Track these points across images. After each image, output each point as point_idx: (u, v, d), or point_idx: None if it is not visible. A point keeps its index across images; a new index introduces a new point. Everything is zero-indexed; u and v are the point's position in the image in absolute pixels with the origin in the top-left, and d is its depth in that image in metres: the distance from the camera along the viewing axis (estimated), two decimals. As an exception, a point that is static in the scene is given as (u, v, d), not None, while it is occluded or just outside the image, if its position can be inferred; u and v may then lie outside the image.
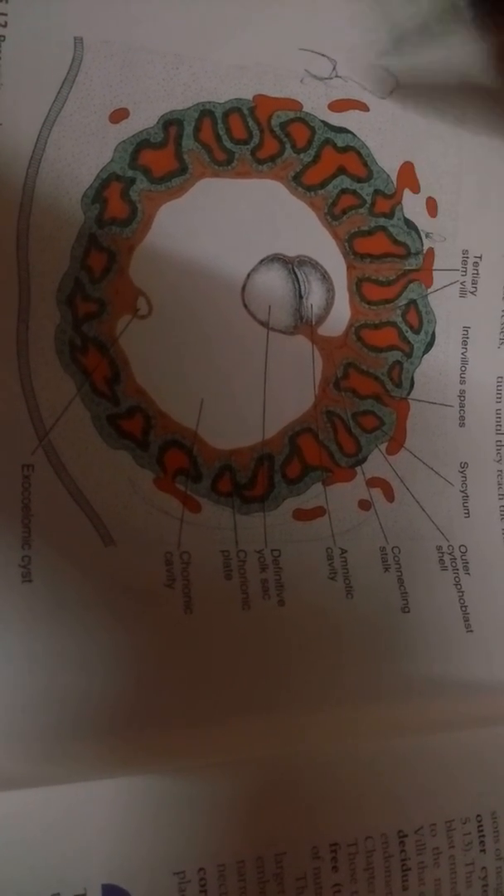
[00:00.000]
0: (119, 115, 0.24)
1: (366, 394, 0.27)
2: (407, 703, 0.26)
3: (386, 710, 0.25)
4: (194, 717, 0.23)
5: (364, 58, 0.27)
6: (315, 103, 0.27)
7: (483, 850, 0.24)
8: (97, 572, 0.24)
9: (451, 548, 0.28)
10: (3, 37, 0.23)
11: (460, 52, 0.28)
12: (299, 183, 0.27)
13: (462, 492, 0.28)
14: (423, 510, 0.28)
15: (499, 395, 0.29)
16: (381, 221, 0.28)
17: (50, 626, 0.23)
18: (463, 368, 0.29)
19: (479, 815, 0.24)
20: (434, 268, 0.28)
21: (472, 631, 0.27)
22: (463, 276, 0.29)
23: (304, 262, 0.27)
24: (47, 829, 0.20)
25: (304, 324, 0.27)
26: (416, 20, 0.28)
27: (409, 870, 0.23)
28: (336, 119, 0.27)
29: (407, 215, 0.28)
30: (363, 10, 0.27)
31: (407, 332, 0.28)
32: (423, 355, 0.28)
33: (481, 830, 0.24)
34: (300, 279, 0.26)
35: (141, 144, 0.25)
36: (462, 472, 0.28)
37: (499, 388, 0.29)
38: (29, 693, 0.22)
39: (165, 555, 0.24)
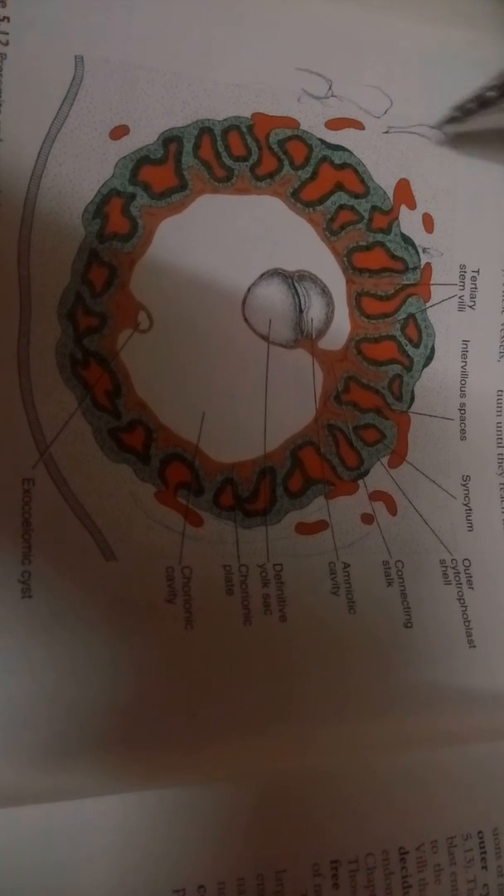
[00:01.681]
0: (119, 132, 0.25)
1: (367, 407, 0.27)
2: (409, 719, 0.25)
3: (387, 725, 0.25)
4: (194, 734, 0.23)
5: (359, 78, 0.28)
6: (312, 121, 0.27)
7: (485, 867, 0.24)
8: (98, 587, 0.23)
9: (454, 562, 0.28)
10: (5, 55, 0.23)
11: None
12: (298, 199, 0.27)
13: (465, 505, 0.28)
14: (427, 523, 0.28)
15: (499, 408, 0.29)
16: (379, 237, 0.28)
17: (50, 641, 0.22)
18: (463, 382, 0.29)
19: (480, 832, 0.24)
20: (432, 282, 0.28)
21: (475, 647, 0.27)
22: (461, 290, 0.29)
23: (303, 276, 0.27)
24: (45, 846, 0.20)
25: (304, 337, 0.27)
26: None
27: (410, 887, 0.23)
28: (333, 137, 0.27)
29: (404, 231, 0.28)
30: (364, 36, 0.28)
31: (406, 345, 0.28)
32: (423, 369, 0.28)
33: (483, 847, 0.24)
34: (300, 293, 0.27)
35: (141, 161, 0.25)
36: (464, 486, 0.28)
37: (499, 401, 0.29)
38: (28, 709, 0.22)
39: (167, 569, 0.24)
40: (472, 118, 0.28)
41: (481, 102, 0.27)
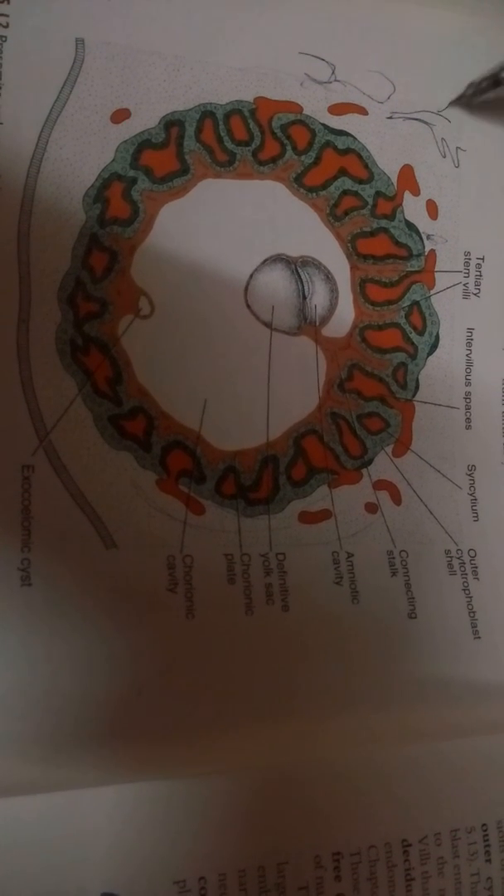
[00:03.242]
0: (120, 116, 0.24)
1: (370, 395, 0.27)
2: (412, 711, 0.25)
3: (391, 717, 0.25)
4: (195, 724, 0.23)
5: (362, 62, 0.27)
6: (315, 106, 0.27)
7: (488, 861, 0.23)
8: (98, 576, 0.23)
9: (459, 552, 0.27)
10: (5, 37, 0.23)
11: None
12: (301, 184, 0.27)
13: (470, 495, 0.28)
14: (431, 513, 0.27)
15: (505, 397, 0.29)
16: (383, 223, 0.28)
17: (49, 630, 0.22)
18: (468, 370, 0.28)
19: (484, 825, 0.24)
20: (436, 269, 0.28)
21: (479, 637, 0.27)
22: (466, 277, 0.28)
23: (307, 262, 0.26)
24: (46, 837, 0.19)
25: (307, 324, 0.26)
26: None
27: (413, 880, 0.22)
28: (336, 122, 0.27)
29: (408, 217, 0.28)
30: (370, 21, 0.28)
31: (411, 333, 0.28)
32: (428, 357, 0.28)
33: (486, 840, 0.24)
34: (303, 279, 0.26)
35: (142, 145, 0.25)
36: (470, 475, 0.28)
37: (505, 389, 0.29)
38: (28, 698, 0.21)
39: (168, 558, 0.24)
40: (484, 96, 0.28)
41: (495, 81, 0.27)
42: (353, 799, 0.23)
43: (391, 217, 0.28)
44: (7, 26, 0.23)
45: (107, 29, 0.24)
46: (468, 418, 0.28)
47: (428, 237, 0.28)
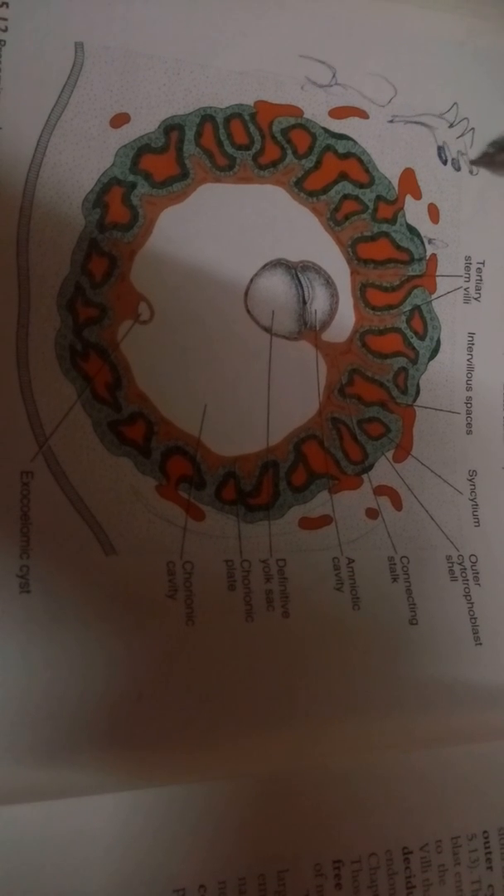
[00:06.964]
0: (120, 120, 0.24)
1: (371, 400, 0.27)
2: (413, 717, 0.25)
3: (391, 723, 0.25)
4: (196, 732, 0.23)
5: (363, 66, 0.27)
6: (316, 110, 0.27)
7: (490, 868, 0.23)
8: (97, 582, 0.23)
9: (460, 557, 0.27)
10: (4, 41, 0.23)
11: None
12: (301, 188, 0.26)
13: (471, 500, 0.28)
14: (432, 519, 0.27)
15: (506, 402, 0.29)
16: (384, 227, 0.27)
17: (48, 637, 0.22)
18: (469, 375, 0.28)
19: (485, 832, 0.24)
20: (437, 274, 0.28)
21: (480, 643, 0.27)
22: (466, 282, 0.28)
23: (307, 267, 0.26)
24: (44, 845, 0.19)
25: (308, 329, 0.26)
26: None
27: (414, 887, 0.22)
28: (336, 126, 0.27)
29: (409, 221, 0.28)
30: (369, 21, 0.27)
31: (412, 338, 0.28)
32: (429, 362, 0.28)
33: (488, 847, 0.23)
34: (304, 284, 0.26)
35: (142, 149, 0.25)
36: (471, 481, 0.28)
37: (506, 394, 0.29)
38: (26, 706, 0.21)
39: (168, 564, 0.24)
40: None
41: None
42: (354, 806, 0.23)
43: (392, 221, 0.28)
44: (6, 30, 0.23)
45: (106, 33, 0.24)
46: (469, 423, 0.28)
47: (429, 241, 0.28)
